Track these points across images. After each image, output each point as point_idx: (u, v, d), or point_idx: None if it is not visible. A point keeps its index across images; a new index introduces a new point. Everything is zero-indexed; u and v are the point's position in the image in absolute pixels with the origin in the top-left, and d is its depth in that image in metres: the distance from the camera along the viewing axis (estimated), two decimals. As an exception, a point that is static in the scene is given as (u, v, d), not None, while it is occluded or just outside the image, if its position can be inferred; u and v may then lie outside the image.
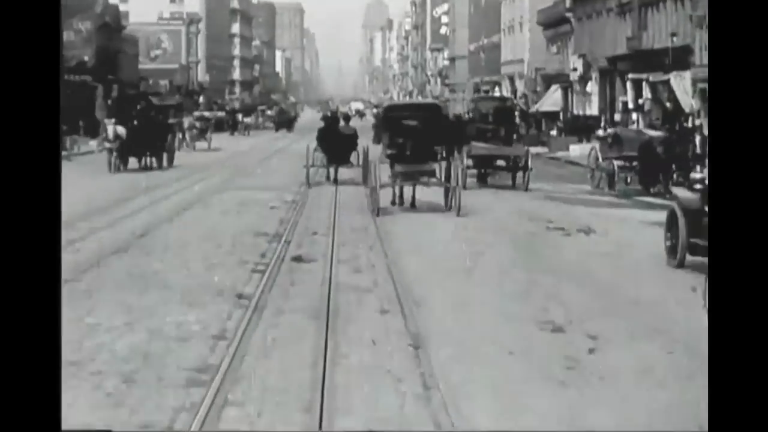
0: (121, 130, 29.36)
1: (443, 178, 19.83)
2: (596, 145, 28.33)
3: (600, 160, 26.38)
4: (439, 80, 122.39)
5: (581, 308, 10.37)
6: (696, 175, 14.05)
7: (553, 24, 64.73)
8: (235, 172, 30.78)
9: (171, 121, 41.72)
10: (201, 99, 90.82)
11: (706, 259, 11.77)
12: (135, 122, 30.13)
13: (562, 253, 14.73)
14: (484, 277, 12.49)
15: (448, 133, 21.22)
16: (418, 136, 19.53)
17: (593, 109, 55.39)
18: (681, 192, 14.06)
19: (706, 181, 12.45)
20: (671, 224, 13.27)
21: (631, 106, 48.05)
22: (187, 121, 41.45)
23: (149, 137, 29.78)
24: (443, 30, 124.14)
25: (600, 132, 32.35)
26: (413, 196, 20.08)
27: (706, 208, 11.68)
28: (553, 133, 47.76)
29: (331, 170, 26.21)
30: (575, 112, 58.55)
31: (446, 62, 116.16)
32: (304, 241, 15.38)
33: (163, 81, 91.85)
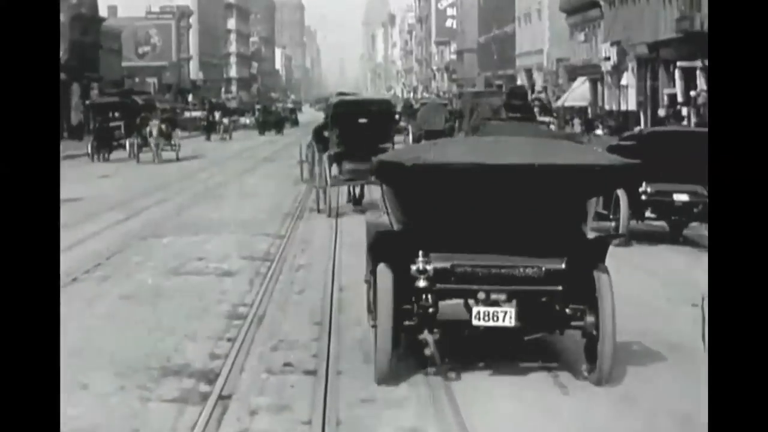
0: None
1: None
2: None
3: None
4: (445, 75, 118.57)
5: None
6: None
7: (578, 9, 59.49)
8: (189, 199, 21.94)
9: (113, 124, 34.93)
10: (191, 97, 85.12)
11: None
12: None
13: None
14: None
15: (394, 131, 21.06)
16: (368, 133, 18.87)
17: (630, 104, 49.35)
18: None
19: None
20: None
21: (680, 99, 41.40)
22: (155, 125, 33.57)
23: None
24: (449, 23, 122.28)
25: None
26: (361, 195, 19.93)
27: None
28: (599, 132, 40.47)
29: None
30: (606, 106, 52.61)
31: (453, 56, 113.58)
32: (273, 365, 7.69)
33: (151, 79, 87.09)
